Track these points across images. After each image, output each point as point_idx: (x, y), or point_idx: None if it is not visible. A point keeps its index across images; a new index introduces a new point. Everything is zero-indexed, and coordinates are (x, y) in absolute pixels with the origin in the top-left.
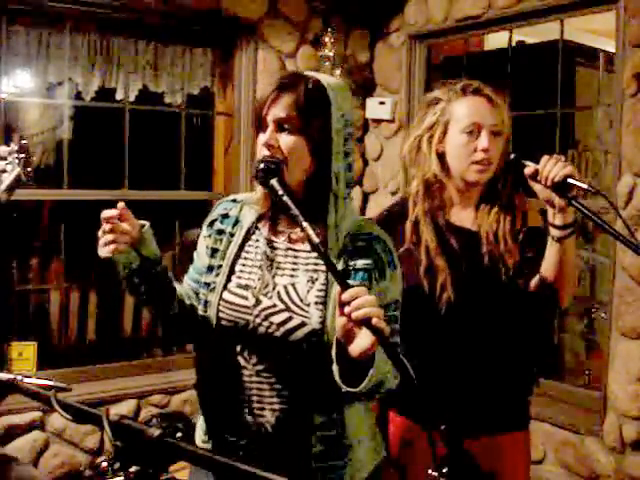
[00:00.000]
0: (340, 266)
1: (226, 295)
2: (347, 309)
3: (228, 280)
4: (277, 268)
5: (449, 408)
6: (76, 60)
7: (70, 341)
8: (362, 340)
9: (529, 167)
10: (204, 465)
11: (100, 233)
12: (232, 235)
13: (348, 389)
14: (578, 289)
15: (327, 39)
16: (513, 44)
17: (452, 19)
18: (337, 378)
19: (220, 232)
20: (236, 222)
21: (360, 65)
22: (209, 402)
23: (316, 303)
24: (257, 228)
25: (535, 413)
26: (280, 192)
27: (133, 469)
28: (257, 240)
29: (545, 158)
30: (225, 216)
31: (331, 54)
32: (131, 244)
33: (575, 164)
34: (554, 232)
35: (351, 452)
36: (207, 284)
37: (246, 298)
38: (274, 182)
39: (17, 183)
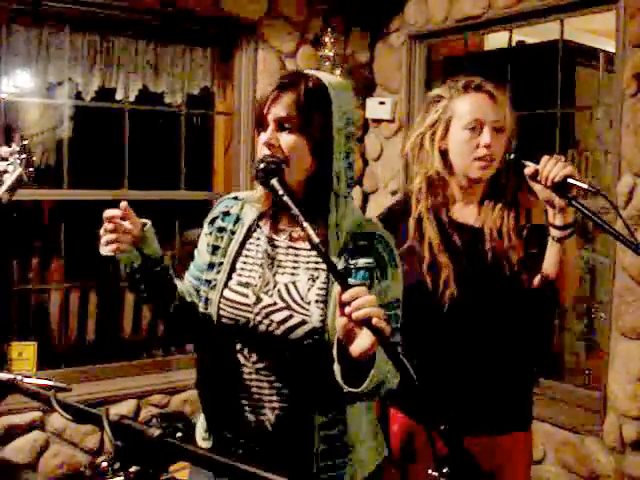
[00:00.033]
0: (341, 265)
1: (227, 293)
2: (347, 309)
3: (229, 278)
4: (278, 266)
5: (450, 407)
6: (76, 60)
7: (70, 341)
8: (362, 340)
9: (529, 167)
10: (204, 465)
11: (102, 232)
12: (233, 233)
13: (349, 389)
14: (578, 289)
15: (327, 39)
16: (513, 44)
17: (452, 19)
18: (338, 378)
19: (221, 230)
20: (237, 220)
21: (360, 65)
22: (209, 400)
23: (317, 301)
24: (258, 226)
25: (535, 413)
26: (280, 192)
27: (133, 469)
28: (258, 238)
29: (545, 158)
30: (226, 214)
31: (331, 54)
32: (133, 243)
33: (575, 164)
34: (554, 232)
35: (352, 451)
36: (208, 281)
37: (247, 296)
38: (274, 182)
39: (19, 183)
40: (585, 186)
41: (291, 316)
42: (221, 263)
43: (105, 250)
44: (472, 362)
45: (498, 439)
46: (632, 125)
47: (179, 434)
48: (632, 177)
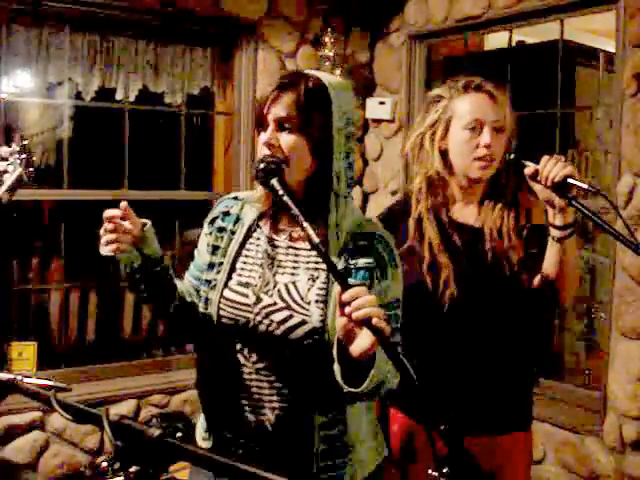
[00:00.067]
0: (341, 265)
1: (227, 293)
2: (347, 309)
3: (229, 278)
4: (278, 266)
5: (450, 407)
6: (76, 60)
7: (70, 341)
8: (362, 340)
9: (529, 167)
10: (204, 465)
11: (102, 232)
12: (233, 233)
13: (349, 389)
14: (578, 289)
15: (327, 39)
16: (513, 44)
17: (452, 19)
18: (338, 378)
19: (221, 230)
20: (237, 220)
21: (360, 65)
22: (209, 400)
23: (317, 301)
24: (258, 226)
25: (535, 413)
26: (280, 192)
27: (133, 469)
28: (258, 238)
29: (545, 158)
30: (226, 214)
31: (331, 54)
32: (133, 243)
33: (575, 164)
34: (554, 232)
35: (352, 451)
36: (208, 281)
37: (247, 296)
38: (274, 182)
39: (19, 184)
40: (585, 186)
41: (291, 316)
42: (221, 263)
43: (105, 250)
44: (472, 362)
45: (498, 439)
46: (632, 125)
47: (179, 434)
48: (632, 177)
